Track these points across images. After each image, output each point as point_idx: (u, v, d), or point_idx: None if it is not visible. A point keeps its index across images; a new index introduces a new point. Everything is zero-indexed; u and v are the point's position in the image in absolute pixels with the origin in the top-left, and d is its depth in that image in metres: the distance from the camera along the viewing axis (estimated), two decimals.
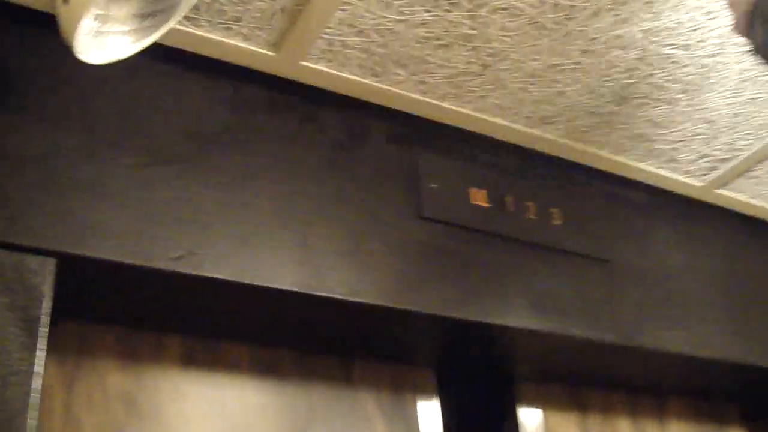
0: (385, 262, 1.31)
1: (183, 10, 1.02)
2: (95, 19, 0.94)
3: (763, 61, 1.21)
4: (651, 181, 1.78)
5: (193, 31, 1.23)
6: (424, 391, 1.55)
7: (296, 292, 1.21)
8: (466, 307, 1.35)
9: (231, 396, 1.33)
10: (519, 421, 1.62)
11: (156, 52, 1.12)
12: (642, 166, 1.72)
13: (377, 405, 1.47)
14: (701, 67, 1.46)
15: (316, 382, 1.43)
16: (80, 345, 1.24)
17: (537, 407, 1.67)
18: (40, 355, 0.98)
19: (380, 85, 1.39)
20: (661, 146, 1.66)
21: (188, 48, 1.26)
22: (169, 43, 1.23)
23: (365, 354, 1.49)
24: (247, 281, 1.17)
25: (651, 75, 1.46)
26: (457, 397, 1.58)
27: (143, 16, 0.99)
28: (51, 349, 1.19)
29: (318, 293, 1.22)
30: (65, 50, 0.95)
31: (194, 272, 1.12)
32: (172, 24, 1.03)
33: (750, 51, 1.21)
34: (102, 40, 0.97)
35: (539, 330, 1.41)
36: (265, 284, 1.18)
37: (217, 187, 1.20)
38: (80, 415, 1.19)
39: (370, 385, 1.48)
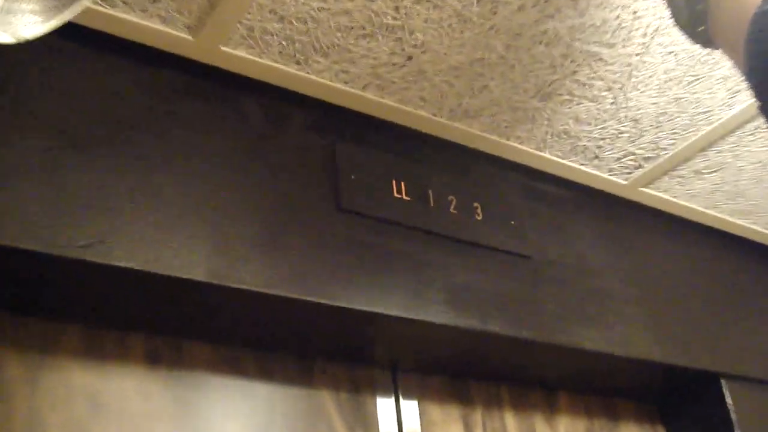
0: (302, 254, 1.33)
1: None
2: None
3: (684, 35, 1.26)
4: (574, 178, 1.83)
5: (108, 11, 1.23)
6: (383, 391, 1.57)
7: (210, 284, 1.21)
8: (384, 301, 1.38)
9: (194, 395, 1.34)
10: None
11: (69, 31, 1.12)
12: (565, 162, 1.77)
13: (337, 405, 1.49)
14: (626, 66, 1.52)
15: (277, 382, 1.44)
16: (43, 341, 1.23)
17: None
18: None
19: (302, 73, 1.41)
20: (585, 143, 1.71)
21: (103, 29, 1.26)
22: (83, 22, 1.23)
23: (325, 354, 1.51)
24: (158, 271, 1.17)
25: (575, 72, 1.51)
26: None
27: None
28: (14, 345, 1.20)
29: (232, 285, 1.23)
30: None
31: (103, 261, 1.12)
32: (85, 4, 1.03)
33: (673, 24, 1.25)
34: (9, 18, 0.97)
35: (455, 325, 1.44)
36: (178, 275, 1.18)
37: (130, 173, 1.21)
38: (44, 413, 1.19)
39: (329, 385, 1.50)
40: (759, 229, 2.12)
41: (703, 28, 1.21)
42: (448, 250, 1.53)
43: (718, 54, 1.48)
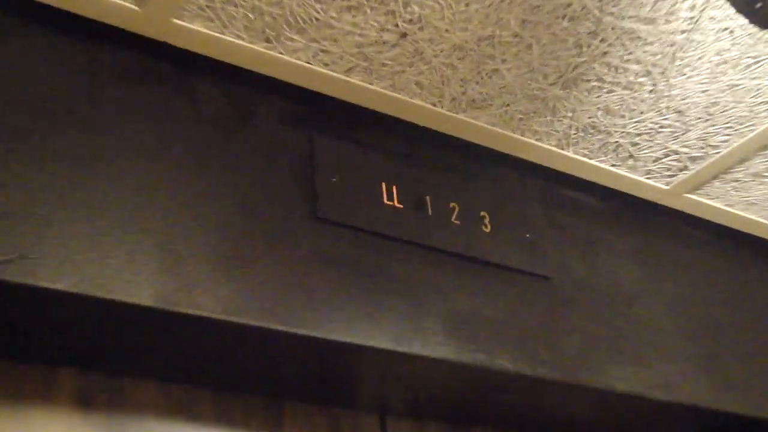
0: (270, 274, 1.33)
1: None
2: None
3: (738, 12, 1.27)
4: (604, 182, 1.84)
5: None
6: None
7: (158, 309, 1.21)
8: (371, 331, 1.38)
9: None
10: None
11: None
12: (593, 163, 1.78)
13: None
14: (669, 46, 1.53)
15: (239, 428, 1.44)
16: None
17: None
18: None
19: (272, 52, 1.42)
20: (618, 140, 1.72)
21: None
22: None
23: (298, 394, 1.51)
24: (94, 294, 1.16)
25: (606, 53, 1.52)
26: None
27: None
28: None
29: (184, 311, 1.23)
30: None
31: (25, 281, 1.12)
32: None
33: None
34: None
35: (457, 361, 1.45)
36: (118, 298, 1.18)
37: (61, 174, 1.21)
38: None
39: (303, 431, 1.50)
40: None
41: (762, 4, 1.22)
42: (448, 269, 1.54)
43: None
